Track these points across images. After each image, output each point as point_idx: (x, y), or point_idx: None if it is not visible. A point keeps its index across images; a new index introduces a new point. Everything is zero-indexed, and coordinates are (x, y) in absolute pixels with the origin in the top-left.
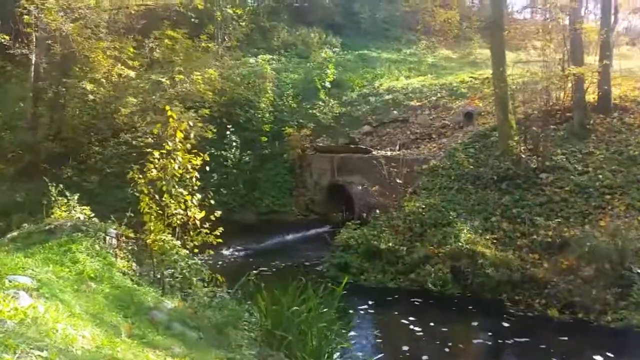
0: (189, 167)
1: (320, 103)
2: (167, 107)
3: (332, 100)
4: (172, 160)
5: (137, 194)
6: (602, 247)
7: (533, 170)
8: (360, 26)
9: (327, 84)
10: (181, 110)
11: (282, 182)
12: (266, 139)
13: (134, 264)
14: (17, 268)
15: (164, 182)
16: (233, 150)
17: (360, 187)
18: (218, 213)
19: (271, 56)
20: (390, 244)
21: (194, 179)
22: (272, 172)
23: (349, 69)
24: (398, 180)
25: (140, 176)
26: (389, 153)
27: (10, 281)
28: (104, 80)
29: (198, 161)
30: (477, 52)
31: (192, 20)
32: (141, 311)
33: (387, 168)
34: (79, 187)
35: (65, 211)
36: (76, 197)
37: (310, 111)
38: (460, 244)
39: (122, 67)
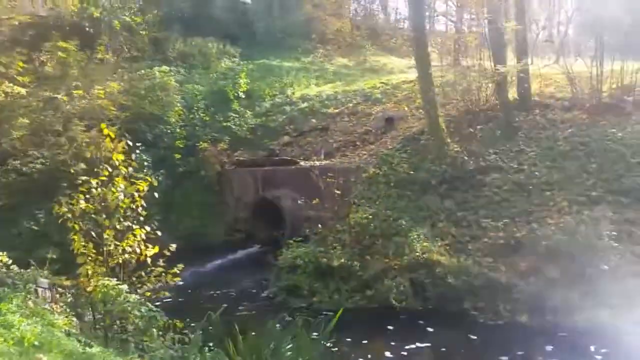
0: (136, 195)
1: (233, 115)
2: (104, 126)
3: (247, 112)
4: (113, 189)
5: (31, 231)
6: (563, 246)
7: (470, 172)
8: (255, 36)
9: (241, 94)
10: (82, 129)
11: (201, 202)
12: (179, 155)
13: (74, 319)
14: None
15: (103, 216)
16: (145, 171)
17: (290, 201)
18: (173, 246)
19: (168, 68)
20: (342, 260)
21: (139, 209)
22: (189, 191)
23: (254, 78)
24: (336, 191)
25: (65, 209)
26: (317, 163)
27: None
28: None
29: (144, 187)
30: (372, 59)
31: (87, 29)
32: None
33: (323, 179)
34: None
35: None
36: None
37: (224, 124)
38: (417, 253)
39: (10, 84)
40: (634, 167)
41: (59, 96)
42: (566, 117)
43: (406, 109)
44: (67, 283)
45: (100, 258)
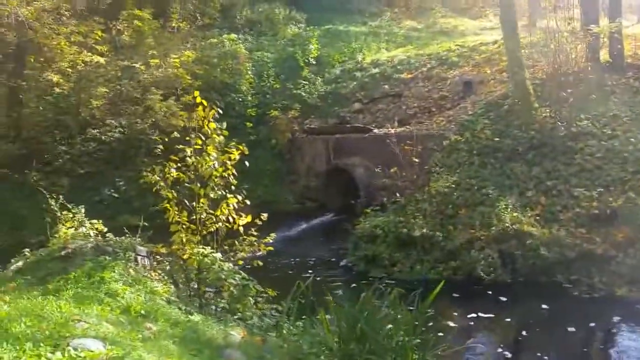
0: (228, 163)
1: (303, 82)
2: (197, 93)
3: (317, 78)
4: (206, 158)
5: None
6: None
7: (560, 138)
8: (321, 1)
9: (312, 60)
10: (159, 98)
11: (272, 170)
12: (251, 124)
13: (171, 287)
14: (67, 324)
15: (197, 185)
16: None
17: (363, 170)
18: (264, 216)
19: (236, 35)
20: (424, 230)
21: (231, 178)
22: (261, 159)
23: (322, 44)
24: (415, 160)
25: (158, 178)
26: (392, 130)
27: (75, 349)
28: (70, 70)
29: (236, 155)
30: (442, 21)
31: None
32: (215, 353)
33: (400, 146)
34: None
35: (70, 228)
36: (83, 210)
37: (295, 91)
38: (506, 224)
39: (89, 53)
40: None
41: (137, 65)
42: None
43: (488, 72)
44: (164, 251)
45: (193, 227)
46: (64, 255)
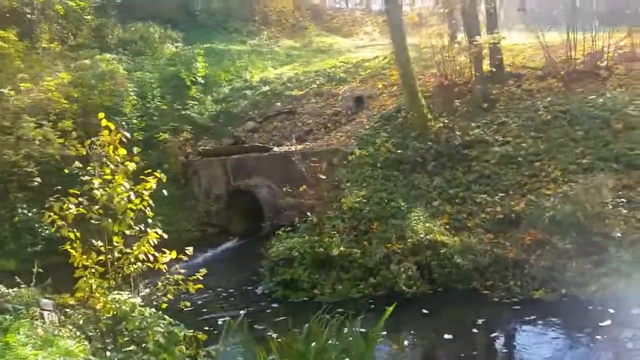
0: (145, 194)
1: (192, 102)
2: (102, 115)
3: (207, 97)
4: (118, 189)
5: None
6: (567, 216)
7: (456, 147)
8: (196, 20)
9: (200, 79)
10: (33, 125)
11: (167, 197)
12: (139, 148)
13: (85, 343)
14: None
15: (108, 221)
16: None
17: (266, 190)
18: (190, 250)
19: (110, 55)
20: (342, 249)
21: (147, 210)
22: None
23: (207, 63)
24: (321, 176)
25: (56, 216)
26: (293, 148)
27: None
28: None
29: (152, 183)
30: (317, 40)
31: (28, 16)
32: None
33: (306, 163)
34: None
35: None
36: None
37: (183, 112)
38: (420, 235)
39: None
40: (620, 132)
41: (4, 91)
42: (542, 86)
43: (380, 86)
44: (72, 302)
45: (100, 269)
46: None
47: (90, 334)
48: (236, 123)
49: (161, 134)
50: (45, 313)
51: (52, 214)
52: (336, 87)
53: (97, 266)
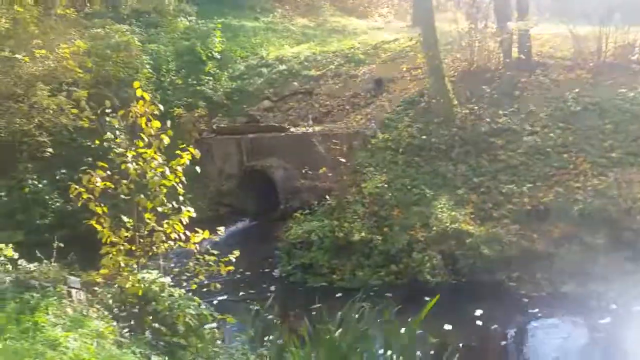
0: (179, 169)
1: (207, 78)
2: (137, 84)
3: (224, 74)
4: (152, 164)
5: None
6: (597, 210)
7: (482, 135)
8: None
9: (216, 55)
10: (47, 94)
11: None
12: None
13: (114, 323)
14: None
15: (141, 197)
16: (117, 141)
17: (282, 171)
18: (221, 230)
19: (124, 27)
20: (363, 234)
21: (179, 187)
22: None
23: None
24: (341, 159)
25: (84, 189)
26: (310, 129)
27: None
28: None
29: (186, 159)
30: (332, 20)
31: None
32: None
33: (326, 146)
34: None
35: None
36: None
37: (198, 88)
38: (445, 224)
39: None
40: None
41: (19, 56)
42: (570, 77)
43: (404, 69)
44: (100, 280)
45: (130, 247)
46: None
47: (117, 314)
48: (251, 101)
49: (175, 109)
50: (74, 291)
51: (77, 187)
52: (355, 69)
53: (125, 243)
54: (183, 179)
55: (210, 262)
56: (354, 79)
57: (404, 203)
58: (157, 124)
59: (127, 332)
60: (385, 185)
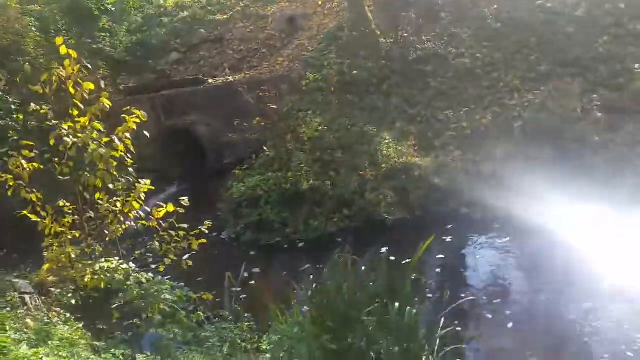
0: (127, 138)
1: (103, 34)
2: (60, 40)
3: (122, 28)
4: (94, 134)
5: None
6: (537, 124)
7: (409, 64)
8: None
9: (109, 7)
10: None
11: None
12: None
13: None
14: None
15: (84, 174)
16: (14, 116)
17: (205, 127)
18: (185, 200)
19: None
20: (311, 182)
21: (127, 157)
22: None
23: None
24: (272, 107)
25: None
26: (231, 78)
27: None
28: None
29: (132, 123)
30: None
31: None
32: None
33: (253, 95)
34: None
35: None
36: None
37: (94, 46)
38: (394, 160)
39: None
40: (573, 36)
41: None
42: None
43: (319, 2)
44: (51, 278)
45: (77, 235)
46: None
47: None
48: (157, 55)
49: None
50: (27, 297)
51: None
52: (264, 9)
53: (73, 231)
54: (131, 148)
55: (177, 238)
56: (265, 20)
57: (347, 144)
58: (89, 85)
59: (99, 331)
60: (325, 128)
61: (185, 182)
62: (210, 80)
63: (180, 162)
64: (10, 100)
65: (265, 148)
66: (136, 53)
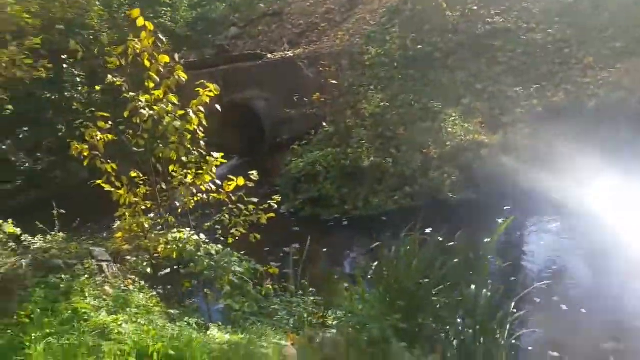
0: (202, 112)
1: (164, 9)
2: (136, 12)
3: (183, 2)
4: (169, 107)
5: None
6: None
7: (477, 38)
8: None
9: None
10: None
11: None
12: (114, 66)
13: (153, 293)
14: None
15: (160, 146)
16: (80, 89)
17: (264, 102)
18: (254, 174)
19: None
20: (372, 159)
21: (199, 131)
22: None
23: None
24: (332, 82)
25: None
26: (290, 53)
27: None
28: None
29: (204, 97)
30: None
31: None
32: None
33: (313, 69)
34: None
35: None
36: None
37: (155, 21)
38: (460, 137)
39: None
40: None
41: None
42: None
43: None
44: (127, 247)
45: (148, 205)
46: None
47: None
48: (216, 30)
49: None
50: (104, 265)
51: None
52: None
53: (146, 202)
54: (204, 121)
55: (247, 212)
56: None
57: (409, 120)
58: (165, 58)
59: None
60: (387, 104)
61: (244, 156)
62: (269, 55)
63: (238, 136)
64: (76, 73)
65: (324, 124)
66: (196, 28)
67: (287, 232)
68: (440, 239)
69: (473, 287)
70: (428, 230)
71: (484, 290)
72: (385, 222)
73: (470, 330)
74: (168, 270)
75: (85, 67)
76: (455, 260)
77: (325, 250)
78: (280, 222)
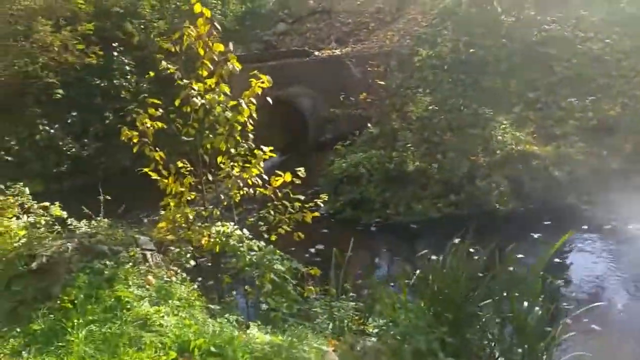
0: (253, 103)
1: (214, 2)
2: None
3: None
4: (221, 97)
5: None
6: None
7: (531, 45)
8: None
9: None
10: (50, 30)
11: None
12: (163, 56)
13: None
14: None
15: (209, 136)
16: (129, 77)
17: (308, 100)
18: (302, 171)
19: None
20: (418, 163)
21: (249, 123)
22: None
23: None
24: (380, 82)
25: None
26: (338, 52)
27: None
28: None
29: (257, 88)
30: None
31: None
32: None
33: (361, 69)
34: None
35: (12, 218)
36: (27, 190)
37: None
38: (510, 146)
39: None
40: None
41: None
42: None
43: None
44: (171, 237)
45: (192, 196)
46: (36, 268)
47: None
48: (265, 25)
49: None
50: (148, 254)
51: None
52: None
53: (192, 193)
54: (254, 114)
55: (292, 210)
56: None
57: (458, 126)
58: (219, 47)
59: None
60: (435, 108)
61: (286, 153)
62: (317, 53)
63: (282, 133)
64: (126, 61)
65: (369, 125)
66: (244, 22)
67: (326, 233)
68: (490, 252)
69: (525, 303)
70: (475, 241)
71: (536, 308)
72: (427, 230)
73: (520, 350)
74: (210, 264)
75: (135, 56)
76: (505, 275)
77: (365, 254)
78: (319, 223)
